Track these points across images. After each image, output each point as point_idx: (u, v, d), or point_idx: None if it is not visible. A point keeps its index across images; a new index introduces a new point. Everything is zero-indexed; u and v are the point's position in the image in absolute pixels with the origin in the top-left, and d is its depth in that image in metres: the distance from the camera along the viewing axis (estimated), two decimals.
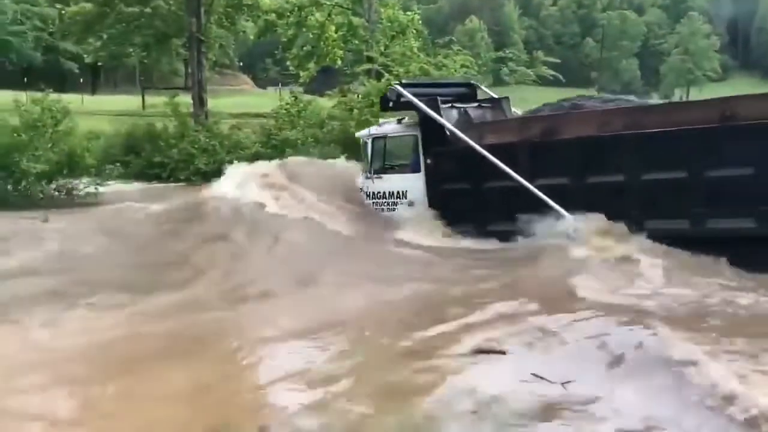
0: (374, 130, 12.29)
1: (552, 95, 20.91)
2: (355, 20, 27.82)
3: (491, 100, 12.99)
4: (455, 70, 22.06)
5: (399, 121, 12.12)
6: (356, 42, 27.43)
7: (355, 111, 21.54)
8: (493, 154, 10.05)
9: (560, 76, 79.12)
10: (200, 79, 25.07)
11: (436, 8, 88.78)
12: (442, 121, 10.84)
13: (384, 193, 11.72)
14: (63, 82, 44.99)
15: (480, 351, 6.35)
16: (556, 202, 9.56)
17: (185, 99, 24.71)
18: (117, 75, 55.50)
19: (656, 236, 8.80)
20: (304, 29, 28.09)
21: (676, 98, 61.07)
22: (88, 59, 33.43)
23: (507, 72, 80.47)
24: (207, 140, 21.38)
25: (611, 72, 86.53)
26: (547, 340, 6.31)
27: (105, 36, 28.02)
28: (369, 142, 11.88)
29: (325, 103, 25.43)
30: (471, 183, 10.57)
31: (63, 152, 16.07)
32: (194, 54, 25.15)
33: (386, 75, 22.70)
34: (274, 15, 27.65)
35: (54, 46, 49.90)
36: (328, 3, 27.82)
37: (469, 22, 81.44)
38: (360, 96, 22.84)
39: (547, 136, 10.02)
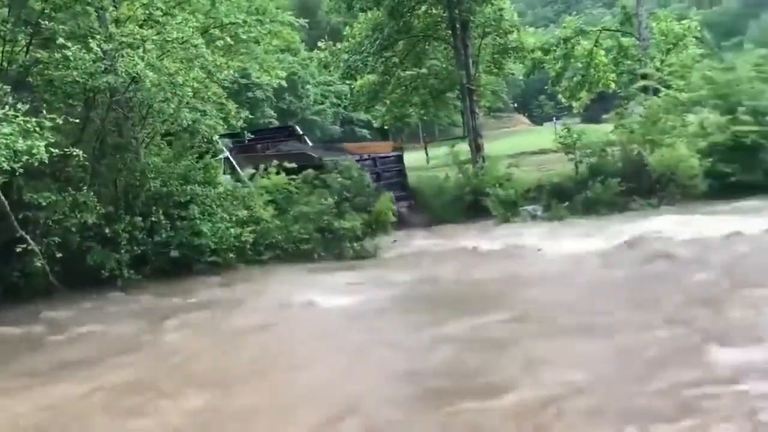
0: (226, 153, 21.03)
1: None
2: (625, 41, 26.67)
3: (298, 136, 23.95)
4: (746, 72, 19.75)
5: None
6: (628, 62, 26.22)
7: (636, 132, 20.49)
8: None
9: None
10: (474, 126, 26.15)
11: (721, 9, 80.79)
12: (227, 154, 19.81)
13: None
14: None
15: None
16: None
17: (465, 147, 25.82)
18: (403, 134, 60.34)
19: None
20: (572, 60, 27.74)
21: None
22: (376, 124, 36.95)
23: None
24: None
25: None
26: None
27: (388, 101, 30.89)
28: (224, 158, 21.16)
29: (603, 129, 24.59)
30: None
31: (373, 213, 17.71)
32: (467, 103, 26.36)
33: (663, 90, 21.27)
34: (540, 52, 27.83)
35: (349, 118, 56.36)
36: (594, 29, 27.21)
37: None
38: (641, 116, 21.81)
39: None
